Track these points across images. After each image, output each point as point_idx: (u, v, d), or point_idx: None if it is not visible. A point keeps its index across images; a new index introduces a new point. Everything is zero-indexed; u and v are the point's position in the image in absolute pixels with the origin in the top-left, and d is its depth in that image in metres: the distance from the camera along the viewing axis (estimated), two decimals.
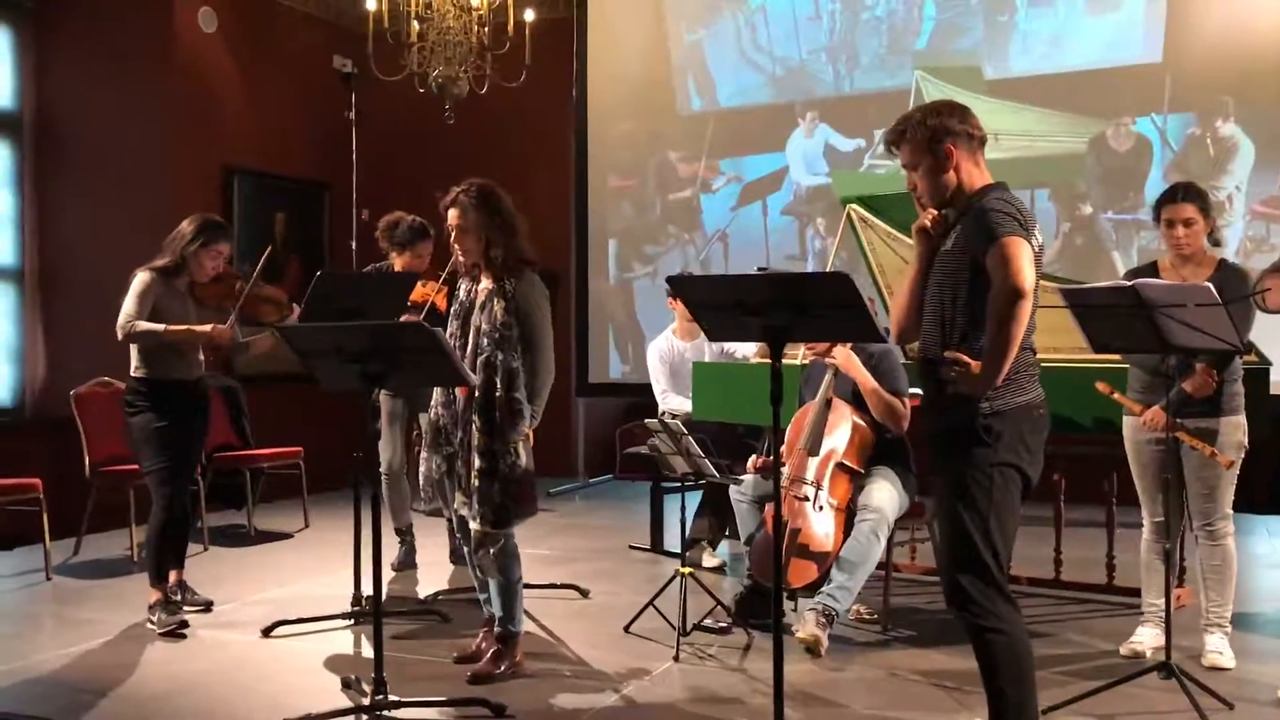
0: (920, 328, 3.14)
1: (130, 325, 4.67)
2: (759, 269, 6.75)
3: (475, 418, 3.91)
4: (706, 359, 6.10)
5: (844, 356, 4.65)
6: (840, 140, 8.13)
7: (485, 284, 4.03)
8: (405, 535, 5.96)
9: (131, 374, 4.82)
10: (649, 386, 6.26)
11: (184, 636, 4.64)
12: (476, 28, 7.34)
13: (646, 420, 4.54)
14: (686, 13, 8.63)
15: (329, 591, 5.34)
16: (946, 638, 4.52)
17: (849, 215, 5.65)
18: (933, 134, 3.07)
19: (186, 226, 4.83)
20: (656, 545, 6.30)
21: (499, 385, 3.88)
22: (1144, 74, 7.32)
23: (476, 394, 3.90)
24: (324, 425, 9.04)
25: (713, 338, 3.30)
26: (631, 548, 6.43)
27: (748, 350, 6.07)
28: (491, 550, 3.97)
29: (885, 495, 4.49)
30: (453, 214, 4.02)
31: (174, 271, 4.79)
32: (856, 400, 4.67)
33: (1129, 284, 3.60)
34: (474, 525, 3.98)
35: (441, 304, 5.40)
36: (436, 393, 4.06)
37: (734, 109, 8.51)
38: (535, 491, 4.05)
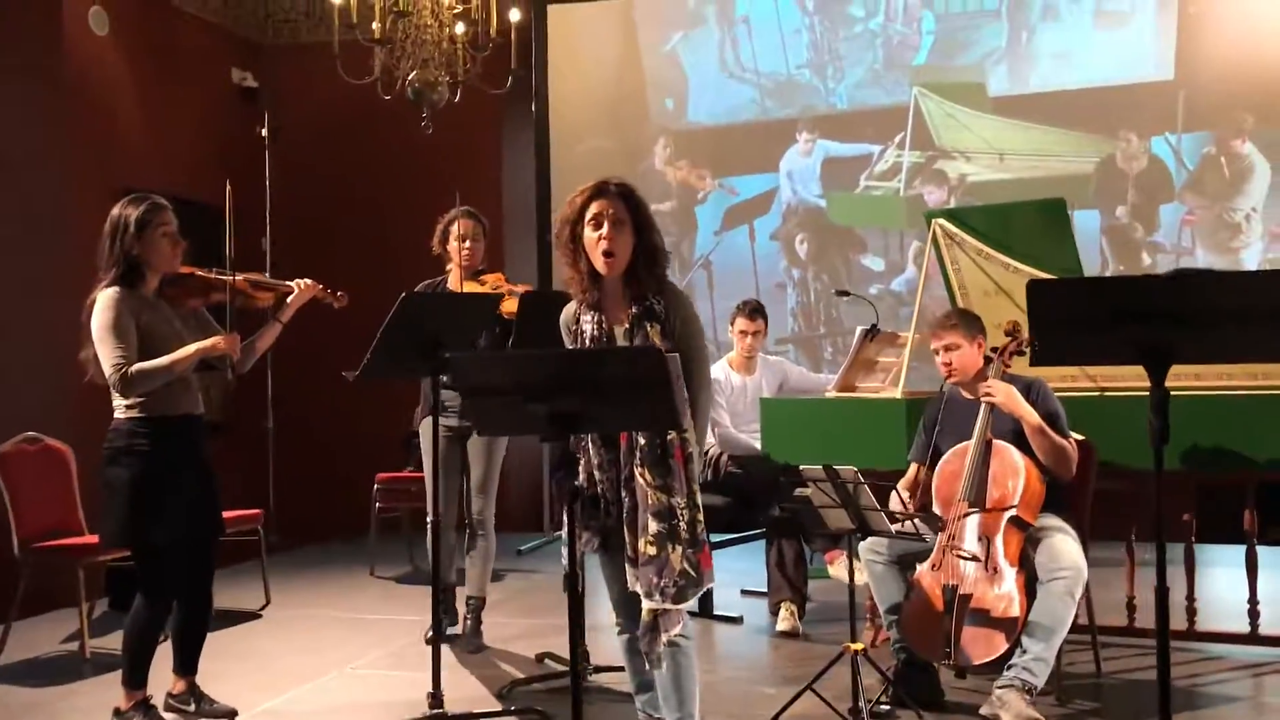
0: None
1: (127, 369, 3.63)
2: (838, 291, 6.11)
3: (645, 472, 3.13)
4: (765, 394, 5.44)
5: (1005, 391, 4.05)
6: (837, 159, 7.62)
7: (623, 308, 3.25)
8: (446, 595, 5.07)
9: (120, 413, 3.75)
10: None
11: None
12: (449, 27, 6.48)
13: (803, 468, 3.82)
14: (660, 23, 8.00)
15: (368, 689, 4.40)
16: (1140, 707, 3.96)
17: (934, 232, 5.10)
18: None
19: (114, 217, 3.77)
20: (706, 609, 5.54)
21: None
22: (1156, 92, 7.09)
23: (641, 441, 3.13)
24: (255, 480, 7.96)
25: (1045, 360, 2.55)
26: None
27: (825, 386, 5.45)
28: (671, 632, 3.19)
29: (1074, 548, 3.90)
30: (609, 201, 3.20)
31: (134, 276, 3.74)
32: (1016, 441, 4.07)
33: None
34: (649, 603, 3.19)
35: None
36: (590, 453, 3.24)
37: (715, 126, 7.91)
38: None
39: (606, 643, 4.57)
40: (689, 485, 3.15)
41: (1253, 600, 4.61)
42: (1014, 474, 3.98)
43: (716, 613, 5.50)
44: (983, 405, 4.08)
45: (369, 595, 6.28)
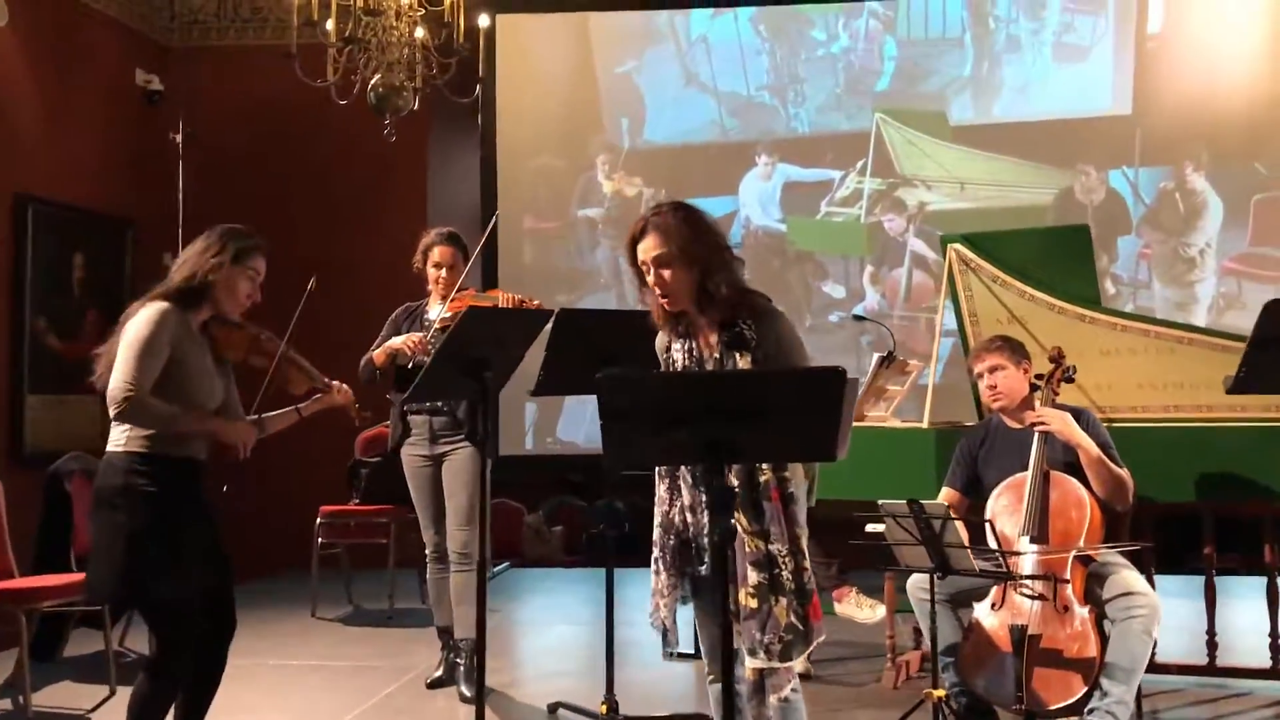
0: None
1: (135, 396, 3.12)
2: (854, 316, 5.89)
3: (740, 517, 2.82)
4: None
5: (1060, 418, 3.89)
6: (797, 184, 7.47)
7: (712, 336, 2.97)
8: (450, 637, 4.66)
9: (121, 447, 3.23)
10: (570, 459, 5.35)
11: None
12: (407, 29, 6.08)
13: (883, 502, 3.57)
14: (616, 40, 7.75)
15: None
16: None
17: (949, 258, 4.96)
18: None
19: (206, 240, 3.34)
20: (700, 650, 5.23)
21: (763, 466, 2.84)
22: (1115, 126, 7.17)
23: (734, 482, 2.83)
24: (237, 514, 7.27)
25: (1253, 388, 2.36)
26: (674, 656, 5.30)
27: None
28: (780, 694, 2.89)
29: (1145, 584, 3.75)
30: (650, 244, 2.92)
31: (194, 299, 3.28)
32: (1068, 472, 3.92)
33: None
34: (753, 662, 2.88)
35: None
36: (683, 493, 2.94)
37: (672, 146, 7.68)
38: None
39: (630, 682, 4.25)
40: (790, 529, 2.87)
41: (1274, 634, 4.56)
42: (1077, 506, 3.82)
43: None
44: (1036, 435, 3.92)
45: (320, 639, 5.79)
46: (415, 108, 6.28)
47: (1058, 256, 4.84)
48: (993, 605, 3.79)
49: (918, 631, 4.86)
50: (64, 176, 7.17)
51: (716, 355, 2.93)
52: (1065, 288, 4.75)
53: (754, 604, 2.84)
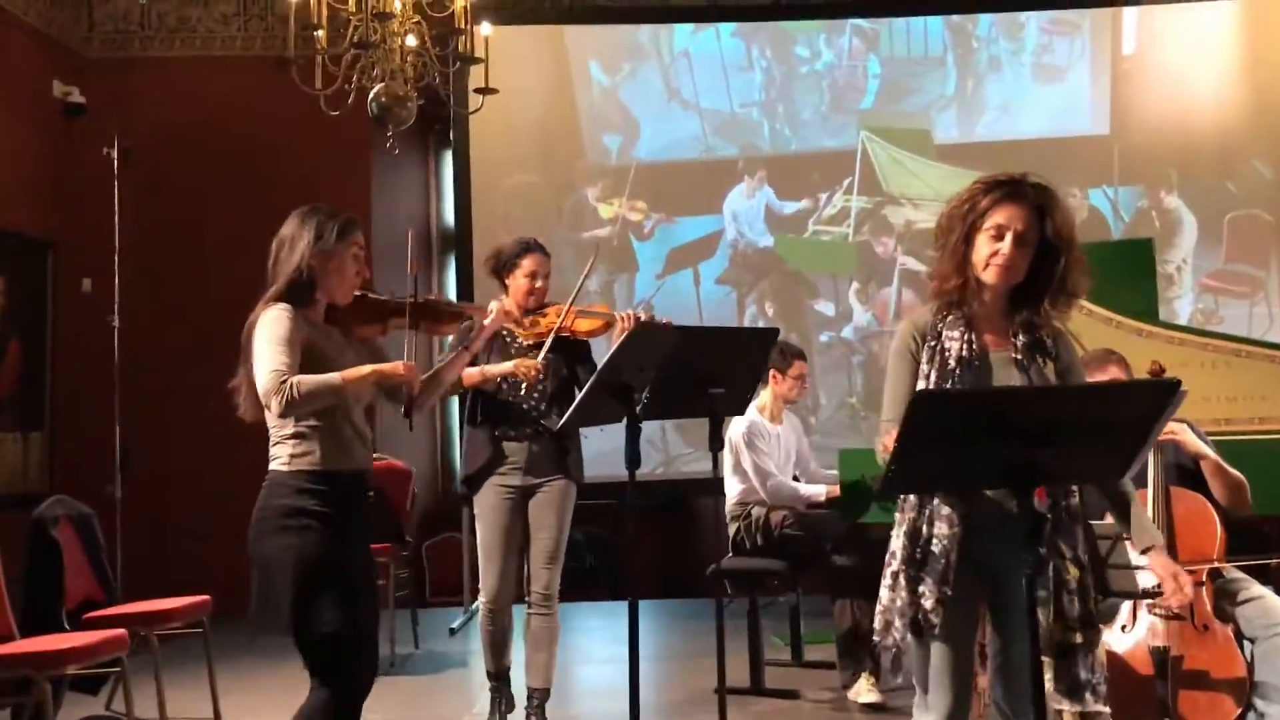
0: None
1: (290, 382, 2.79)
2: None
3: (1058, 540, 2.54)
4: (793, 445, 5.19)
5: (1182, 429, 3.81)
6: (781, 202, 7.35)
7: (1006, 333, 2.66)
8: (501, 683, 4.32)
9: (282, 465, 2.90)
10: None
11: None
12: (405, 37, 5.73)
13: None
14: (596, 54, 7.50)
15: None
16: None
17: None
18: None
19: (296, 227, 3.01)
20: (758, 685, 5.02)
21: (1074, 488, 2.59)
22: (1093, 145, 7.29)
23: (1049, 500, 2.55)
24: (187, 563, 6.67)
25: None
26: (719, 691, 5.06)
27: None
28: None
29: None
30: (1010, 215, 2.62)
31: (306, 295, 2.97)
32: (1183, 483, 3.85)
33: None
34: (1072, 706, 2.59)
35: (576, 326, 4.13)
36: (937, 506, 2.56)
37: (656, 163, 7.47)
38: None
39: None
40: (1093, 557, 2.65)
41: None
42: (1204, 519, 3.74)
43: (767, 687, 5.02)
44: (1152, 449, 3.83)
45: None
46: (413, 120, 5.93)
47: (1119, 271, 4.83)
48: (1123, 628, 3.68)
49: (983, 653, 4.74)
50: None
51: (1018, 356, 2.61)
52: (1125, 302, 4.74)
53: (1078, 638, 2.55)
